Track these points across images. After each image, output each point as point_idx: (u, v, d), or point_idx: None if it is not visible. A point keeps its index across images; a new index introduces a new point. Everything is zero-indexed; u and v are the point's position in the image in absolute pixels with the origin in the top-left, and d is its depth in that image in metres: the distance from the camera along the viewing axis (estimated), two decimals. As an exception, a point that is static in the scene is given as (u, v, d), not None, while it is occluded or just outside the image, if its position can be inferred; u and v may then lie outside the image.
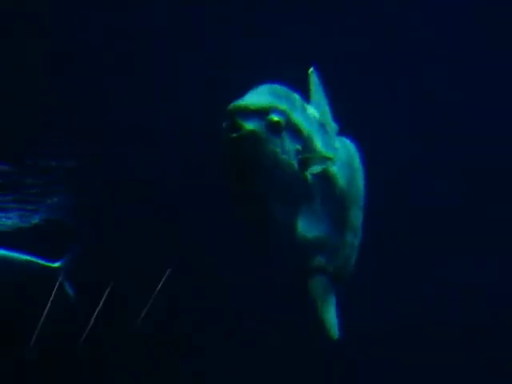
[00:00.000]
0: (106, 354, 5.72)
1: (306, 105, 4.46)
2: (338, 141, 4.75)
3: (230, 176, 4.24)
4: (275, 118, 4.15)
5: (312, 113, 4.50)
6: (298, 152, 4.25)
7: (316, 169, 4.31)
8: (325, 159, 4.36)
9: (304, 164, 4.27)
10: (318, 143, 4.41)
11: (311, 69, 4.85)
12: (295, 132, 4.26)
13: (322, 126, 4.53)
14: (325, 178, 4.46)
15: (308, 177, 4.31)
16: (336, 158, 4.52)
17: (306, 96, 4.69)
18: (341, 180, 4.59)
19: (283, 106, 4.23)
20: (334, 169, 4.54)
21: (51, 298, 5.95)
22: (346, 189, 4.64)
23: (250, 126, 4.09)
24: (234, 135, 4.09)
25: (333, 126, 4.79)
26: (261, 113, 4.13)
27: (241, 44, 6.24)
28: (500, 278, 6.98)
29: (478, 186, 6.99)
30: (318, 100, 4.79)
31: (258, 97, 4.21)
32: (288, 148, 4.20)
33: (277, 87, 4.31)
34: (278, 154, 4.16)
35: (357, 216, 4.82)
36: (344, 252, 4.73)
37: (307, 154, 4.28)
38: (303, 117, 4.35)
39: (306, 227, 4.37)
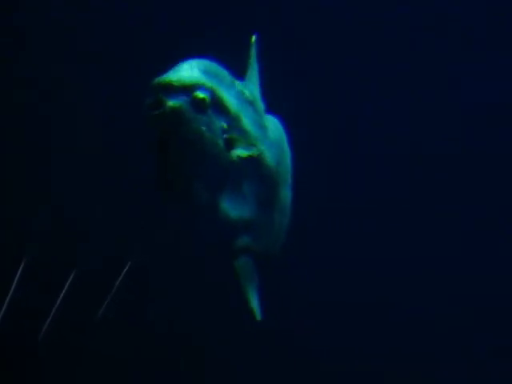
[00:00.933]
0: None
1: (235, 81, 4.38)
2: (267, 119, 4.70)
3: (154, 152, 4.16)
4: (200, 95, 4.07)
5: (242, 90, 4.42)
6: (224, 131, 4.19)
7: (242, 153, 4.26)
8: (251, 144, 4.31)
9: (230, 144, 4.23)
10: (246, 122, 4.35)
11: (253, 37, 4.75)
12: (222, 110, 4.18)
13: (251, 104, 4.46)
14: (252, 157, 4.40)
15: (234, 157, 4.26)
16: (263, 137, 4.49)
17: (239, 70, 4.64)
18: (269, 159, 4.53)
19: (209, 83, 4.10)
20: (263, 148, 4.48)
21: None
22: (274, 168, 4.60)
23: (173, 102, 4.02)
24: (157, 112, 4.02)
25: (262, 104, 4.73)
26: (185, 89, 4.05)
27: (170, 15, 6.21)
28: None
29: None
30: (252, 75, 4.74)
31: (183, 72, 4.11)
32: (214, 126, 4.13)
33: (204, 62, 4.20)
34: (202, 132, 4.07)
35: (285, 195, 4.80)
36: (272, 232, 4.71)
37: (233, 133, 4.22)
38: (231, 94, 4.27)
39: (231, 207, 4.33)
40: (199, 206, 4.23)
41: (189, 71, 4.12)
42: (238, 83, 4.41)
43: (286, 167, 4.80)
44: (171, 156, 4.13)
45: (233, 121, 4.25)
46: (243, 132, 4.32)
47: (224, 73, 4.29)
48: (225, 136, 4.20)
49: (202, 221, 4.30)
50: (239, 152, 4.26)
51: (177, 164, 4.15)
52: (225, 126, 4.19)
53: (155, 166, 4.22)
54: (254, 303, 4.44)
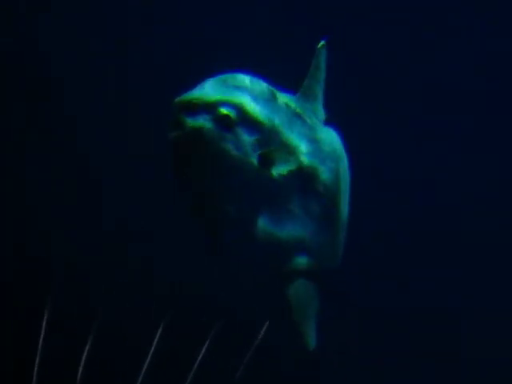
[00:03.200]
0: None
1: (278, 94, 4.16)
2: (323, 131, 4.49)
3: (178, 177, 3.99)
4: (224, 111, 3.88)
5: (286, 102, 4.20)
6: (257, 147, 3.99)
7: (283, 169, 4.07)
8: (289, 154, 4.10)
9: (267, 160, 4.02)
10: (290, 137, 4.16)
11: (321, 43, 4.52)
12: (253, 126, 3.97)
13: (298, 117, 4.27)
14: (302, 173, 4.22)
15: (274, 174, 4.05)
16: (315, 151, 4.30)
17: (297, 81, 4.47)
18: (323, 174, 4.35)
19: (235, 98, 3.91)
20: (315, 163, 4.29)
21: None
22: (331, 183, 4.40)
23: (193, 122, 3.84)
24: (177, 133, 3.85)
25: (319, 115, 4.55)
26: (207, 107, 3.86)
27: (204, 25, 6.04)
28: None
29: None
30: (311, 86, 4.52)
31: (205, 89, 3.94)
32: (243, 144, 3.93)
33: (232, 76, 4.02)
34: (229, 150, 3.87)
35: (344, 210, 4.59)
36: (331, 249, 4.52)
37: (269, 148, 4.01)
38: (269, 108, 4.05)
39: (278, 226, 4.13)
40: (240, 231, 4.06)
41: (212, 87, 3.95)
42: (282, 96, 4.22)
43: (343, 181, 4.59)
44: (197, 178, 3.95)
45: (269, 136, 4.03)
46: (285, 147, 4.12)
47: (261, 86, 4.10)
48: (259, 153, 3.99)
49: (247, 246, 4.12)
50: (279, 168, 4.07)
51: (205, 189, 3.98)
52: (257, 142, 3.99)
53: (183, 194, 4.05)
54: (311, 330, 4.27)
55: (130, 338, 5.41)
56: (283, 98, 4.22)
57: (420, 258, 6.41)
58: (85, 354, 3.35)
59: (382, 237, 6.24)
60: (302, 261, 4.31)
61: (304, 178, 4.22)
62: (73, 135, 6.21)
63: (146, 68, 5.75)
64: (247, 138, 3.95)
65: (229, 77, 4.03)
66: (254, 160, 3.97)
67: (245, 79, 4.04)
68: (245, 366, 3.43)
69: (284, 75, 4.28)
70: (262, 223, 4.09)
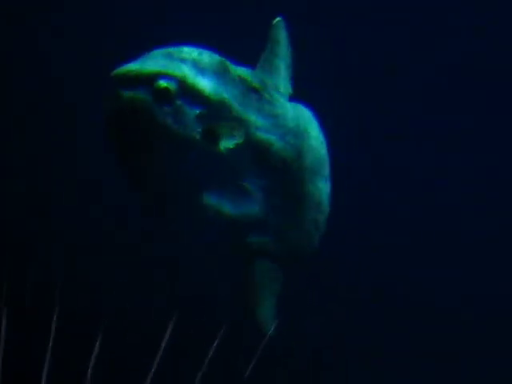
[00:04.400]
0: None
1: (231, 67, 4.01)
2: (284, 107, 4.29)
3: (115, 152, 3.82)
4: (162, 84, 3.73)
5: (240, 75, 4.05)
6: (201, 121, 3.82)
7: (229, 143, 3.90)
8: (239, 129, 3.91)
9: (211, 134, 3.84)
10: (241, 110, 3.99)
11: (277, 19, 4.36)
12: (197, 99, 3.81)
13: (255, 91, 4.10)
14: (256, 148, 4.06)
15: (221, 148, 3.89)
16: (273, 126, 4.12)
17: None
18: (282, 150, 4.16)
19: (176, 71, 3.76)
20: (271, 138, 4.13)
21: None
22: (291, 160, 4.20)
23: (129, 94, 3.69)
24: (111, 106, 3.72)
25: (283, 91, 4.35)
26: (145, 79, 3.71)
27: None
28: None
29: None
30: (270, 60, 4.33)
31: (145, 62, 3.80)
32: (184, 118, 3.77)
33: (177, 49, 3.87)
34: (167, 124, 3.72)
35: (318, 189, 4.37)
36: (300, 230, 4.31)
37: (218, 123, 3.85)
38: (218, 81, 3.91)
39: (228, 203, 3.99)
40: (186, 206, 3.91)
41: (154, 59, 3.82)
42: (237, 70, 4.06)
43: (317, 159, 4.38)
44: (135, 153, 3.81)
45: (216, 109, 3.88)
46: (235, 121, 3.96)
47: (210, 59, 3.95)
48: (203, 127, 3.83)
49: (195, 222, 3.97)
50: (226, 142, 3.90)
51: (147, 165, 3.84)
52: (201, 116, 3.83)
53: (124, 171, 3.89)
54: (269, 312, 4.13)
55: (132, 337, 5.43)
56: (238, 71, 4.08)
57: (420, 256, 6.35)
58: (94, 354, 3.27)
59: (381, 234, 6.16)
60: (258, 239, 4.18)
61: (258, 153, 4.08)
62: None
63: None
64: (189, 112, 3.83)
65: (174, 49, 3.91)
66: (197, 134, 3.83)
67: (192, 52, 3.93)
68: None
69: (249, 51, 4.20)
70: (209, 199, 3.97)
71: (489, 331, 6.40)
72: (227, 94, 3.92)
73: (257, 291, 4.15)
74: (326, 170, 4.46)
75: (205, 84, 3.85)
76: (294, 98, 4.48)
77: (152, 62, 3.80)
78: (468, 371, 6.13)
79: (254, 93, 4.09)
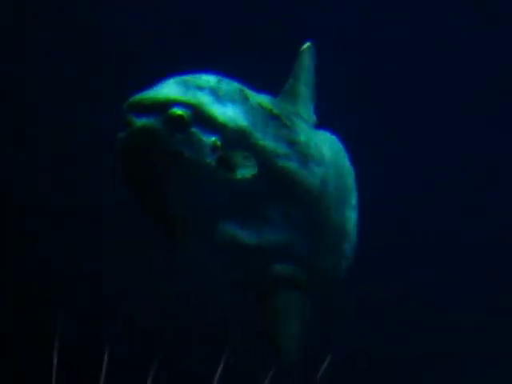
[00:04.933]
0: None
1: (250, 94, 3.93)
2: (308, 134, 4.20)
3: (129, 181, 3.74)
4: (177, 111, 3.65)
5: (260, 103, 3.95)
6: (217, 149, 3.72)
7: (247, 172, 3.81)
8: (257, 157, 3.81)
9: (226, 162, 3.76)
10: (260, 138, 3.88)
11: (307, 44, 4.28)
12: (213, 127, 3.72)
13: (275, 117, 4.00)
14: (277, 176, 3.96)
15: (238, 176, 3.79)
16: (292, 154, 4.02)
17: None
18: (306, 179, 4.07)
19: (191, 98, 3.67)
20: (292, 166, 4.02)
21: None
22: (315, 188, 4.11)
23: (141, 122, 3.62)
24: (124, 134, 3.65)
25: (307, 118, 4.30)
26: (159, 107, 3.64)
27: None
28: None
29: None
30: (294, 86, 4.28)
31: (160, 89, 3.72)
32: (199, 146, 3.68)
33: (194, 76, 3.81)
34: (181, 152, 3.64)
35: (343, 218, 4.31)
36: (324, 258, 4.24)
37: (234, 151, 3.75)
38: (236, 109, 3.81)
39: (248, 232, 3.88)
40: (204, 235, 3.81)
41: (169, 87, 3.73)
42: (257, 97, 3.99)
43: (342, 187, 4.32)
44: (152, 183, 3.72)
45: (233, 137, 3.79)
46: (255, 148, 3.87)
47: (229, 87, 3.86)
48: (218, 155, 3.74)
49: (213, 250, 3.88)
50: (243, 171, 3.81)
51: (161, 193, 3.74)
52: (218, 143, 3.74)
53: (139, 204, 3.80)
54: (291, 342, 4.03)
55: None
56: (257, 98, 3.99)
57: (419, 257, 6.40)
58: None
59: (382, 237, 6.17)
60: (280, 267, 4.09)
61: (278, 181, 3.99)
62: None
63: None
64: (205, 140, 3.74)
65: (191, 77, 3.84)
66: (213, 162, 3.74)
67: (210, 79, 3.85)
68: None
69: (270, 78, 4.16)
70: (227, 226, 3.88)
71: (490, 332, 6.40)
72: (245, 122, 3.85)
73: (280, 320, 4.07)
74: (353, 198, 4.40)
75: (221, 111, 3.78)
76: (322, 125, 4.43)
77: (167, 90, 3.73)
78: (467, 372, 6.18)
79: (274, 120, 4.01)
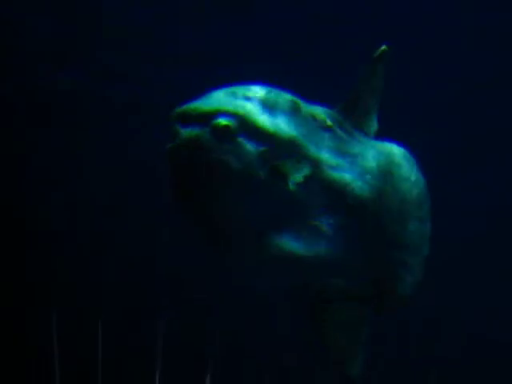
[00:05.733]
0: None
1: (303, 105, 3.84)
2: (365, 145, 4.10)
3: (177, 193, 3.67)
4: (222, 121, 3.60)
5: (312, 114, 3.86)
6: (268, 159, 3.66)
7: (296, 177, 3.73)
8: (308, 167, 3.73)
9: (278, 172, 3.69)
10: (311, 149, 3.79)
11: (383, 48, 3.99)
12: (261, 137, 3.66)
13: (327, 129, 3.92)
14: (330, 187, 3.84)
15: (290, 187, 3.71)
16: (347, 165, 3.92)
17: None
18: (361, 191, 3.92)
19: (237, 109, 3.65)
20: (346, 177, 3.91)
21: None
22: (373, 200, 3.96)
23: (188, 132, 3.59)
24: (171, 145, 3.59)
25: (367, 129, 4.15)
26: (205, 117, 3.61)
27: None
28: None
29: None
30: (357, 95, 4.09)
31: (207, 100, 3.71)
32: (246, 155, 3.62)
33: (243, 87, 3.78)
34: (228, 162, 3.60)
35: (407, 231, 4.13)
36: (385, 273, 4.07)
37: (287, 161, 3.70)
38: (286, 119, 3.76)
39: (299, 244, 3.80)
40: (252, 246, 3.67)
41: (216, 98, 3.68)
42: (309, 108, 3.83)
43: (405, 199, 4.10)
44: (196, 193, 3.61)
45: (284, 148, 3.67)
46: (305, 159, 3.73)
47: (279, 98, 3.77)
48: (270, 165, 3.65)
49: (264, 263, 3.72)
50: (294, 181, 3.69)
51: (210, 207, 3.62)
52: (267, 153, 3.64)
53: (188, 217, 3.68)
54: (353, 358, 3.89)
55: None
56: (310, 109, 3.86)
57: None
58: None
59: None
60: (335, 282, 3.94)
61: (331, 192, 3.84)
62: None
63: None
64: (252, 150, 3.66)
65: (240, 88, 3.78)
66: (263, 172, 3.63)
67: (259, 90, 3.79)
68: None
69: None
70: (278, 239, 3.75)
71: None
72: (296, 132, 3.75)
73: (337, 336, 3.92)
74: (421, 211, 4.18)
75: (269, 121, 3.71)
76: (388, 137, 4.20)
77: (214, 100, 3.69)
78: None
79: (327, 131, 3.89)
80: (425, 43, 5.88)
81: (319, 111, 3.94)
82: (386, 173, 4.04)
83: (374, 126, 4.13)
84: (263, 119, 3.68)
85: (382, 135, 4.22)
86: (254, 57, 5.47)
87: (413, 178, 4.15)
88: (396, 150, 4.14)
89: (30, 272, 5.65)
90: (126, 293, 5.65)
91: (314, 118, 3.84)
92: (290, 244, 3.76)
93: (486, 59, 6.02)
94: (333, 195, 3.82)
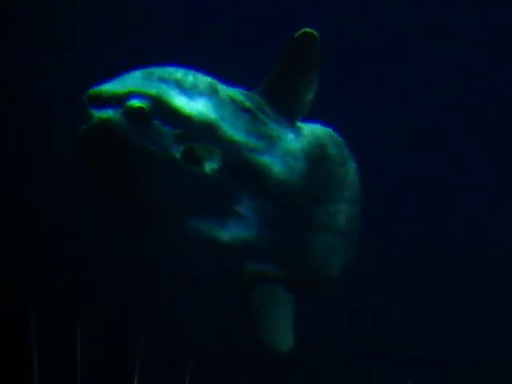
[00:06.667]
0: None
1: (221, 87, 3.82)
2: (286, 128, 4.00)
3: (92, 176, 3.66)
4: (136, 103, 3.56)
5: (231, 96, 3.82)
6: (182, 142, 3.62)
7: (214, 165, 3.67)
8: (225, 150, 3.69)
9: (192, 155, 3.63)
10: (228, 131, 3.74)
11: (306, 30, 3.91)
12: (176, 119, 3.61)
13: (247, 111, 3.85)
14: (250, 171, 3.82)
15: (206, 170, 3.67)
16: (266, 148, 3.86)
17: None
18: (282, 173, 3.88)
19: (152, 90, 3.58)
20: (266, 160, 3.84)
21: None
22: (296, 183, 3.92)
23: (100, 114, 3.53)
24: (83, 127, 3.57)
25: (291, 111, 4.04)
26: (118, 99, 3.56)
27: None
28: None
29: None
30: (278, 78, 4.00)
31: (120, 81, 3.65)
32: (161, 138, 3.58)
33: (159, 69, 3.73)
34: (142, 144, 3.54)
35: (332, 212, 4.09)
36: (309, 255, 4.06)
37: (195, 143, 3.64)
38: (203, 101, 3.69)
39: (220, 229, 3.74)
40: (174, 232, 3.69)
41: (130, 79, 3.65)
42: (228, 90, 3.85)
43: (330, 181, 4.10)
44: (116, 181, 3.62)
45: (200, 130, 3.67)
46: (222, 142, 3.71)
47: (196, 80, 3.74)
48: (184, 148, 3.64)
49: (185, 249, 3.74)
50: (210, 164, 3.68)
51: (125, 189, 3.64)
52: (182, 136, 3.63)
53: (101, 196, 3.72)
54: (281, 338, 3.88)
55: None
56: (229, 92, 3.86)
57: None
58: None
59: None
60: (257, 266, 3.91)
61: (252, 176, 3.82)
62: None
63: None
64: (168, 132, 3.64)
65: (157, 69, 3.76)
66: (177, 154, 3.62)
67: (176, 72, 3.80)
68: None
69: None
70: (194, 222, 3.73)
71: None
72: (212, 114, 3.73)
73: (261, 317, 3.92)
74: (346, 192, 4.17)
75: (185, 103, 3.68)
76: (316, 118, 4.18)
77: (128, 82, 3.65)
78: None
79: (246, 113, 3.86)
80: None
81: (238, 93, 3.89)
82: (310, 155, 3.99)
83: (301, 108, 4.05)
84: (179, 101, 3.63)
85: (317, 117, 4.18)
86: (171, 38, 5.45)
87: (337, 159, 4.12)
88: (322, 132, 4.13)
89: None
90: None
91: (232, 100, 3.81)
92: (210, 228, 3.72)
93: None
94: (252, 178, 3.80)
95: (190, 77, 3.75)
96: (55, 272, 5.67)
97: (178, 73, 3.75)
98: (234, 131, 3.78)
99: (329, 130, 4.22)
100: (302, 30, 3.89)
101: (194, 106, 3.67)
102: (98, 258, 5.47)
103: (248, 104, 3.88)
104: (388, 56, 6.07)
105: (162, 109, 3.60)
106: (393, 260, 5.95)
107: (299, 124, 4.12)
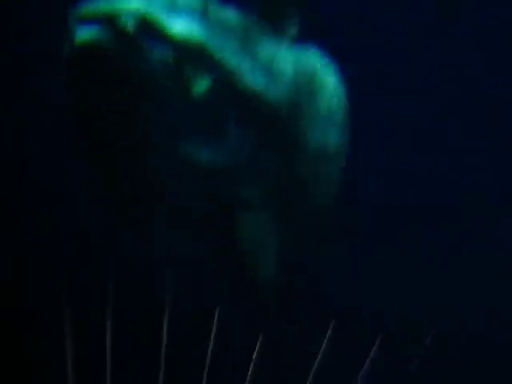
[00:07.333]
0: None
1: (213, 8, 3.77)
2: (281, 51, 3.98)
3: (79, 103, 3.62)
4: (125, 23, 3.50)
5: (223, 16, 3.77)
6: (170, 63, 3.59)
7: (202, 87, 3.61)
8: (215, 72, 3.67)
9: (180, 76, 3.59)
10: (215, 52, 3.69)
11: None
12: (166, 39, 3.58)
13: (236, 31, 3.80)
14: (239, 94, 3.79)
15: (193, 92, 3.64)
16: (263, 71, 3.83)
17: None
18: (273, 97, 3.86)
19: (139, 9, 3.52)
20: (258, 83, 3.82)
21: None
22: (287, 108, 3.92)
23: (87, 33, 3.45)
24: (70, 48, 3.55)
25: (280, 32, 4.00)
26: (105, 18, 3.51)
27: None
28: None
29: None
30: None
31: (109, 1, 3.59)
32: (149, 58, 3.53)
33: None
34: (128, 65, 3.51)
35: (321, 139, 4.11)
36: (297, 182, 4.10)
37: (182, 65, 3.59)
38: (193, 22, 3.62)
39: (211, 153, 3.75)
40: (161, 156, 3.69)
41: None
42: (219, 11, 3.78)
43: (321, 107, 4.06)
44: (102, 101, 3.62)
45: (187, 50, 3.64)
46: (211, 63, 3.67)
47: (189, 0, 3.69)
48: (170, 69, 3.60)
49: (172, 173, 3.75)
50: (198, 87, 3.61)
51: (110, 111, 3.63)
52: (169, 56, 3.60)
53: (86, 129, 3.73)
54: (267, 268, 3.92)
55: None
56: (220, 12, 3.82)
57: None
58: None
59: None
60: (244, 190, 3.94)
61: (242, 99, 3.80)
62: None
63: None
64: (154, 51, 3.59)
65: None
66: (164, 76, 3.60)
67: None
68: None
69: None
70: (187, 146, 3.75)
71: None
72: (203, 36, 3.66)
73: (245, 241, 3.94)
74: (336, 119, 4.15)
75: (173, 23, 3.62)
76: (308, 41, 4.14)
77: (118, 1, 3.59)
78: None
79: (236, 34, 3.80)
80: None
81: (229, 14, 3.84)
82: (302, 80, 3.99)
83: (291, 28, 4.03)
84: (169, 22, 3.59)
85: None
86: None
87: (330, 84, 4.10)
88: (313, 56, 4.13)
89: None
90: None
91: (223, 21, 3.75)
92: (197, 152, 3.71)
93: None
94: (241, 101, 3.77)
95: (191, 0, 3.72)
96: (55, 272, 5.64)
97: None
98: (223, 52, 3.74)
99: (320, 55, 4.21)
100: None
101: (182, 26, 3.63)
102: (97, 258, 5.45)
103: (239, 24, 3.85)
104: (388, 56, 6.05)
105: (149, 28, 3.57)
106: (393, 260, 5.97)
107: (293, 47, 4.08)
